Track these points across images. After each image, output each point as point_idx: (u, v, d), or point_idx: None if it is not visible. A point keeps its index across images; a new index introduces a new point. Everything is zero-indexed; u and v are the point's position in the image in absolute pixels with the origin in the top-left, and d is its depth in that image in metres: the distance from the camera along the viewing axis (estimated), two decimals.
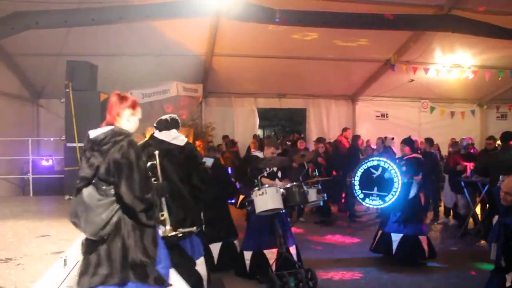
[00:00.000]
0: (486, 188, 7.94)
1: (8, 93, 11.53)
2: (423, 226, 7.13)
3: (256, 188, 5.52)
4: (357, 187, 7.18)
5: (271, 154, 6.06)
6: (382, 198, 6.85)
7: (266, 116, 19.72)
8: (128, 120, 3.25)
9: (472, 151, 10.33)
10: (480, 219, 8.81)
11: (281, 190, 5.61)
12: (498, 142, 8.67)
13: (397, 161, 7.25)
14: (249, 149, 12.94)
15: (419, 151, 9.99)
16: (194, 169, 4.74)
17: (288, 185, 5.78)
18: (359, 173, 7.18)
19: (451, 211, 9.85)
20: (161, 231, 3.44)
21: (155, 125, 4.82)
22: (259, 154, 6.23)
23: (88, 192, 3.06)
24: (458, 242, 8.21)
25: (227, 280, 5.92)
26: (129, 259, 3.06)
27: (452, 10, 9.93)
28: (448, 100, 16.05)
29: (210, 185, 5.39)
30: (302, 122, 17.50)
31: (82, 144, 8.43)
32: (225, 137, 13.87)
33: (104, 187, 3.04)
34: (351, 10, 9.63)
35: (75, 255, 5.19)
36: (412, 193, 6.89)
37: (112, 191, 3.04)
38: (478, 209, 9.02)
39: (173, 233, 3.51)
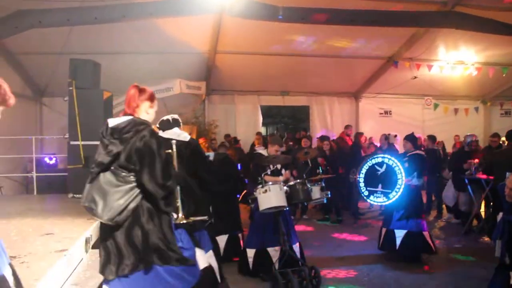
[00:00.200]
0: (490, 185, 7.92)
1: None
2: (425, 222, 7.14)
3: (260, 186, 5.52)
4: (362, 185, 7.19)
5: (275, 152, 6.05)
6: (386, 195, 6.87)
7: (269, 114, 19.69)
8: (146, 112, 3.37)
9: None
10: (483, 216, 8.79)
11: (285, 187, 5.61)
12: (503, 139, 8.64)
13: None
14: (253, 145, 12.97)
15: (422, 148, 9.98)
16: (199, 163, 4.84)
17: (292, 183, 5.78)
18: (364, 170, 7.19)
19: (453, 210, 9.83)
20: (173, 218, 3.53)
21: (158, 125, 4.88)
22: (263, 152, 6.22)
23: (105, 178, 3.13)
24: (462, 239, 8.19)
25: (230, 278, 5.93)
26: (151, 244, 3.16)
27: (456, 7, 9.90)
28: (452, 97, 16.01)
29: (217, 179, 5.52)
30: (305, 119, 17.48)
31: (85, 142, 8.52)
32: (227, 136, 13.88)
33: (123, 174, 3.12)
34: (354, 7, 9.60)
35: (79, 253, 5.21)
36: (415, 181, 6.88)
37: (131, 178, 3.12)
38: (481, 206, 9.01)
39: (185, 221, 3.64)
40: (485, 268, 6.32)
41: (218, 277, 5.12)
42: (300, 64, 13.14)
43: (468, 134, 9.78)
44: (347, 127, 12.76)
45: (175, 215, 3.58)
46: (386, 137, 10.93)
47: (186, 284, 3.28)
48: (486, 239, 8.02)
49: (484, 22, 10.00)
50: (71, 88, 8.39)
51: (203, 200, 4.70)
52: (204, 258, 4.58)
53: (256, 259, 5.91)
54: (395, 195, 6.73)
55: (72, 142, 8.39)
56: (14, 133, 10.36)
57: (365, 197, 7.29)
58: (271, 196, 5.41)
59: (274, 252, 5.80)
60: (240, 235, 6.89)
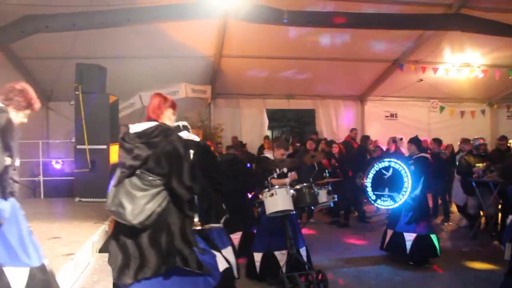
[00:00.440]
0: (498, 188, 7.88)
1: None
2: (432, 223, 7.15)
3: (266, 189, 5.50)
4: (369, 189, 7.20)
5: (281, 156, 6.04)
6: (393, 198, 6.88)
7: (275, 117, 19.67)
8: (169, 119, 3.51)
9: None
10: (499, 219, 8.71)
11: (291, 191, 5.59)
12: (511, 141, 8.60)
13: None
14: (261, 148, 12.98)
15: (428, 151, 9.94)
16: (210, 162, 4.87)
17: (298, 186, 5.76)
18: (371, 175, 7.20)
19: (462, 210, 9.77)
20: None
21: None
22: (269, 155, 6.21)
23: (131, 182, 3.20)
24: (470, 243, 8.13)
25: (237, 281, 5.91)
26: (176, 247, 3.22)
27: (461, 9, 9.87)
28: (458, 99, 15.93)
29: (226, 178, 5.58)
30: (310, 123, 17.45)
31: (92, 147, 8.55)
32: (234, 138, 13.91)
33: (150, 178, 3.19)
34: (359, 10, 9.59)
35: (86, 257, 5.21)
36: (417, 190, 6.88)
37: (158, 182, 3.20)
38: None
39: (201, 227, 3.75)
40: (494, 272, 6.28)
41: (236, 273, 5.19)
42: (305, 68, 13.14)
43: (476, 137, 9.73)
44: (352, 130, 12.73)
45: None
46: (394, 140, 10.90)
47: (206, 287, 3.33)
48: (495, 242, 7.96)
49: (489, 24, 9.95)
50: (77, 92, 8.44)
51: (215, 199, 4.70)
52: (222, 260, 4.61)
53: (263, 263, 5.89)
54: (402, 198, 6.75)
55: (78, 146, 8.43)
56: (21, 137, 10.39)
57: (372, 201, 7.31)
58: (277, 199, 5.40)
59: (281, 255, 5.78)
60: (255, 231, 6.81)
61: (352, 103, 16.07)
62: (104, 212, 7.27)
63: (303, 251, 5.96)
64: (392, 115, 16.16)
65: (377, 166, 7.19)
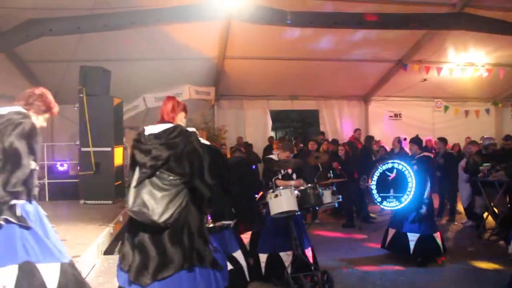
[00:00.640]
0: (503, 187, 7.85)
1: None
2: (435, 222, 7.20)
3: (271, 190, 5.50)
4: (374, 191, 7.21)
5: (286, 158, 6.04)
6: (398, 199, 6.92)
7: (278, 118, 19.68)
8: (181, 121, 3.62)
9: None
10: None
11: (296, 192, 5.58)
12: None
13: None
14: (267, 149, 12.99)
15: (433, 151, 9.92)
16: (222, 163, 4.94)
17: (303, 187, 5.75)
18: (375, 177, 7.22)
19: (466, 210, 9.74)
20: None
21: None
22: (274, 156, 6.21)
23: (152, 182, 3.25)
24: (475, 242, 8.10)
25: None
26: (196, 245, 3.31)
27: (465, 8, 9.84)
28: (462, 99, 15.88)
29: (233, 180, 5.65)
30: (314, 123, 17.45)
31: (96, 149, 8.57)
32: (240, 138, 13.95)
33: (170, 178, 3.26)
34: (362, 10, 9.58)
35: (92, 259, 5.22)
36: (427, 192, 6.91)
37: (177, 181, 3.27)
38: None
39: (212, 224, 3.89)
40: (500, 272, 6.26)
41: (247, 276, 5.23)
42: (308, 68, 13.14)
43: (486, 136, 9.67)
44: (356, 131, 12.70)
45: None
46: (399, 140, 10.88)
47: (218, 286, 3.38)
48: (501, 242, 7.92)
49: (493, 23, 9.91)
50: (81, 95, 8.47)
51: (224, 200, 4.72)
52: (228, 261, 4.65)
53: (268, 264, 5.88)
54: (407, 199, 6.78)
55: (83, 149, 8.46)
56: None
57: (378, 203, 7.34)
58: (282, 200, 5.39)
59: (286, 256, 5.77)
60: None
61: (356, 103, 16.05)
62: (109, 214, 7.31)
63: (308, 251, 5.95)
64: (396, 115, 16.13)
65: (381, 168, 7.23)
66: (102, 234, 5.99)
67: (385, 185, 7.14)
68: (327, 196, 5.94)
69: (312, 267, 5.62)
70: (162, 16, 8.90)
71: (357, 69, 13.70)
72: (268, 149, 12.96)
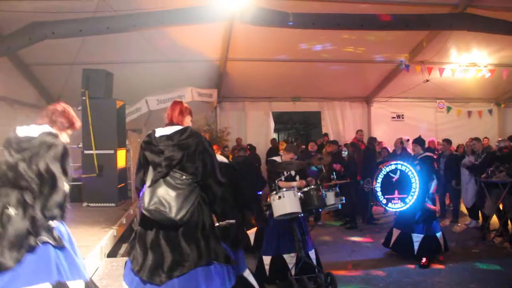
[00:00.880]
0: (507, 188, 7.83)
1: (25, 102, 11.69)
2: (439, 222, 7.28)
3: (274, 192, 5.49)
4: (379, 193, 7.23)
5: (289, 159, 6.03)
6: (402, 200, 6.96)
7: (281, 120, 19.68)
8: (188, 124, 3.73)
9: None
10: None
11: (299, 193, 5.57)
12: None
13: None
14: (270, 151, 13.00)
15: (436, 152, 9.90)
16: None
17: (306, 189, 5.74)
18: (379, 179, 7.23)
19: (469, 211, 9.71)
20: None
21: None
22: (277, 158, 6.20)
23: (166, 181, 3.36)
24: (479, 243, 8.07)
25: None
26: (211, 241, 3.44)
27: (467, 8, 9.81)
28: (465, 99, 15.84)
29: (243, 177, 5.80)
30: (317, 125, 17.44)
31: (99, 152, 8.57)
32: (239, 139, 13.98)
33: (184, 177, 3.37)
34: (365, 12, 9.57)
35: (95, 262, 5.22)
36: (432, 189, 6.94)
37: (189, 180, 3.38)
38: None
39: (217, 224, 3.93)
40: (504, 273, 6.24)
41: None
42: (311, 70, 13.12)
43: (501, 139, 9.64)
44: (357, 132, 12.69)
45: None
46: (401, 141, 10.88)
47: (228, 285, 3.48)
48: (506, 244, 7.89)
49: (496, 23, 9.87)
50: (84, 97, 8.46)
51: (228, 199, 4.74)
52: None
53: (272, 266, 5.87)
54: (411, 199, 6.81)
55: (86, 152, 8.45)
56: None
57: (383, 205, 7.37)
58: (285, 202, 5.38)
59: (290, 258, 5.76)
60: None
61: (358, 105, 16.04)
62: (112, 217, 7.30)
63: (312, 253, 5.94)
64: (398, 116, 16.10)
65: (385, 170, 7.26)
66: (105, 237, 5.98)
67: (389, 186, 7.18)
68: (330, 198, 5.93)
69: (316, 269, 5.62)
70: (164, 18, 8.90)
71: (359, 70, 13.69)
72: (270, 152, 12.94)
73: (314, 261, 5.88)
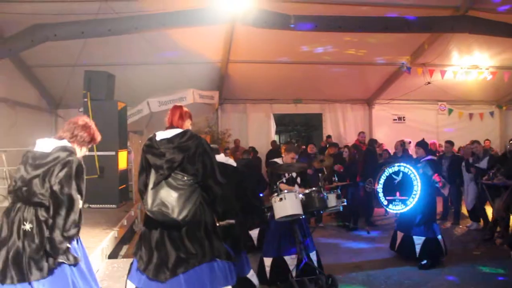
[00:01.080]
0: (509, 190, 7.81)
1: (27, 104, 11.72)
2: (439, 225, 7.30)
3: (275, 194, 5.48)
4: (381, 195, 7.22)
5: (291, 160, 6.01)
6: (404, 202, 6.94)
7: (282, 122, 19.68)
8: (188, 128, 3.81)
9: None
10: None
11: (300, 195, 5.56)
12: None
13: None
14: (271, 153, 13.00)
15: (437, 154, 9.89)
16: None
17: (307, 190, 5.73)
18: (382, 180, 7.22)
19: (470, 213, 9.70)
20: None
21: None
22: (278, 160, 6.19)
23: (168, 183, 3.45)
24: (481, 246, 8.05)
25: None
26: (213, 239, 3.55)
27: (469, 11, 9.82)
28: (466, 102, 15.86)
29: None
30: (318, 127, 17.45)
31: (100, 153, 8.59)
32: (237, 141, 14.03)
33: (185, 178, 3.47)
34: (365, 14, 9.58)
35: (96, 263, 5.22)
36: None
37: (190, 181, 3.48)
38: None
39: (217, 224, 3.93)
40: (506, 276, 6.22)
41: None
42: (312, 72, 13.14)
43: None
44: (359, 134, 12.69)
45: None
46: (402, 144, 10.86)
47: (230, 281, 3.57)
48: (506, 246, 7.87)
49: (497, 26, 9.88)
50: (85, 99, 8.49)
51: (230, 199, 4.75)
52: None
53: (273, 268, 5.86)
54: (413, 201, 6.81)
55: (87, 153, 8.46)
56: (30, 144, 10.49)
57: (384, 207, 7.35)
58: (286, 204, 5.37)
59: (291, 260, 5.76)
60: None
61: (360, 107, 16.06)
62: (113, 218, 7.31)
63: (313, 255, 5.93)
64: (400, 118, 16.12)
65: (388, 171, 7.23)
66: (107, 238, 5.99)
67: (391, 188, 7.15)
68: (331, 200, 5.91)
69: (317, 271, 5.61)
70: (165, 20, 8.92)
71: (361, 73, 13.71)
72: (271, 154, 12.93)
73: (315, 263, 5.87)
